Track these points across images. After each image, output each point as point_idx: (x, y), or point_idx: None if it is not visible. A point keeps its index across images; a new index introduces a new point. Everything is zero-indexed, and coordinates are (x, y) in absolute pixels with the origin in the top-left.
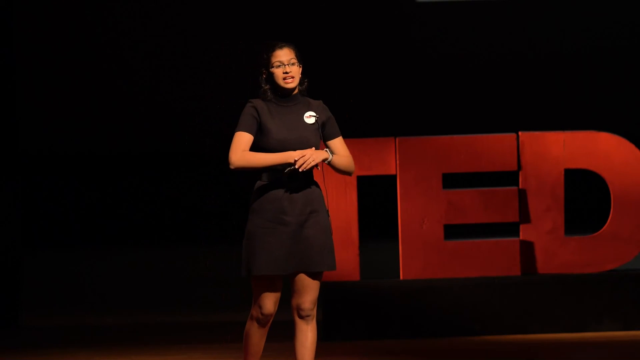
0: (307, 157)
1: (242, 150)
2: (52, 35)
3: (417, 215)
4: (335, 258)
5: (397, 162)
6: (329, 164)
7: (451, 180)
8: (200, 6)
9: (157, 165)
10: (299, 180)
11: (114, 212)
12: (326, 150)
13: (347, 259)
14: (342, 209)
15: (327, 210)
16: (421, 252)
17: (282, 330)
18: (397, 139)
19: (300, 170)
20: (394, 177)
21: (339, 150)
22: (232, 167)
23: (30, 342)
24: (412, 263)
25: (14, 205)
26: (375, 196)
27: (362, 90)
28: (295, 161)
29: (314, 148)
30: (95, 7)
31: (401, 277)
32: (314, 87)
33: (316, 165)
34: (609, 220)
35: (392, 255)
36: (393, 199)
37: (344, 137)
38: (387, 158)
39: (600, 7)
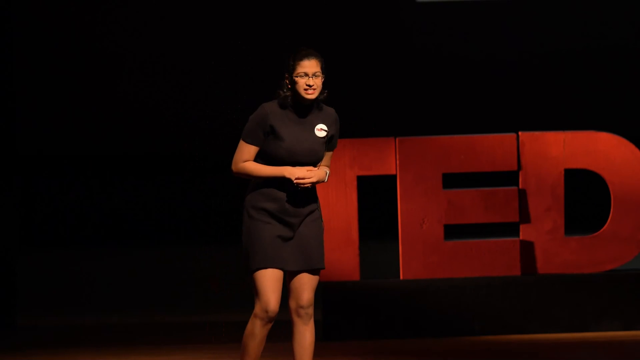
0: (305, 180)
1: (242, 161)
2: (50, 36)
3: (417, 215)
4: (324, 258)
5: (397, 162)
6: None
7: (451, 180)
8: (200, 7)
9: (157, 165)
10: (299, 189)
11: (113, 212)
12: (325, 171)
13: (347, 259)
14: (342, 209)
15: (320, 210)
16: (421, 252)
17: (282, 330)
18: (397, 139)
19: (299, 187)
20: (394, 177)
21: (327, 163)
22: (233, 174)
23: (30, 342)
24: (412, 263)
25: (12, 205)
26: (375, 196)
27: (362, 90)
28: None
29: (317, 168)
30: (94, 9)
31: (401, 277)
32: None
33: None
34: (609, 220)
35: (392, 255)
36: (393, 199)
37: (347, 137)
38: (387, 158)
39: (600, 7)
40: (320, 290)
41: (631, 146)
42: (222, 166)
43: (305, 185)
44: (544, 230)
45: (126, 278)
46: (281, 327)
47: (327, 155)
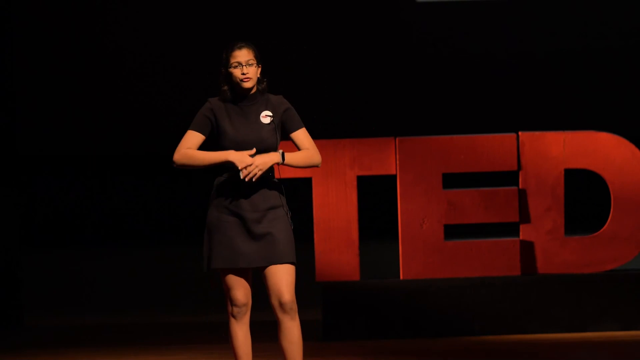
0: (252, 168)
1: (186, 148)
2: (50, 36)
3: (417, 215)
4: (295, 255)
5: (397, 162)
6: (284, 164)
7: (451, 180)
8: (200, 7)
9: (157, 165)
10: (253, 181)
11: (113, 212)
12: (278, 152)
13: (347, 259)
14: (342, 209)
15: (287, 207)
16: (421, 252)
17: (277, 330)
18: (397, 139)
19: (246, 180)
20: (394, 177)
21: (302, 143)
22: (174, 164)
23: (31, 342)
24: (412, 263)
25: (12, 205)
26: (375, 196)
27: (362, 90)
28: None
29: (257, 153)
30: (94, 9)
31: (401, 277)
32: (314, 88)
33: (267, 172)
34: (609, 220)
35: (392, 255)
36: (393, 199)
37: (347, 137)
38: (387, 158)
39: (600, 7)
40: (320, 290)
41: (631, 146)
42: (221, 166)
43: (255, 178)
44: (544, 230)
45: (126, 278)
46: (276, 326)
47: (298, 135)
